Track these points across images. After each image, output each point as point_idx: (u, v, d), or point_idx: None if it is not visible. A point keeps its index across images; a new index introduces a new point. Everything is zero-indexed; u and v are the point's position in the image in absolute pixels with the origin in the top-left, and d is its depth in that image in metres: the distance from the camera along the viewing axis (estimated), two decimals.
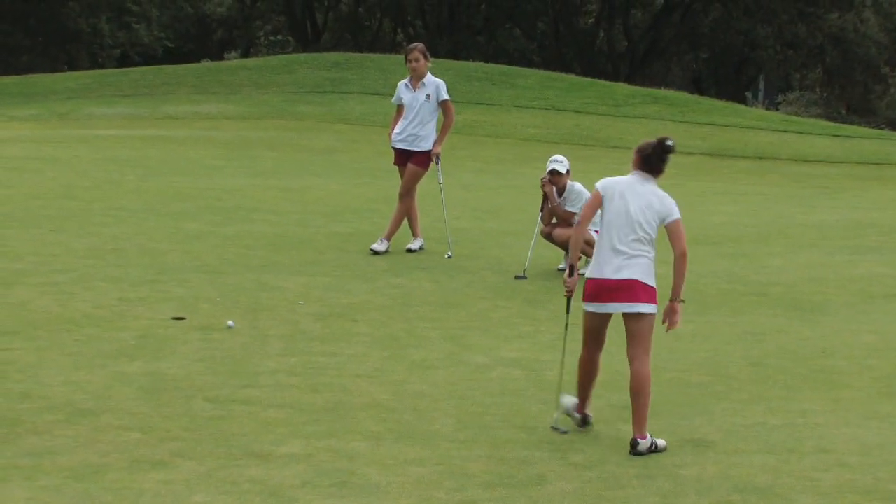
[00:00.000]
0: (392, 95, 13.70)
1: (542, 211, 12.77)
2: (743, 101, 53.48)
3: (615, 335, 9.75)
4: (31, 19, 52.09)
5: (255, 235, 14.06)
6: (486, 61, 45.90)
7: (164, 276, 11.65)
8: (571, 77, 41.46)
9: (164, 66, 43.03)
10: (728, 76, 59.68)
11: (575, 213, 12.56)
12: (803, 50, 56.37)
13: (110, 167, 19.73)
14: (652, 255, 7.52)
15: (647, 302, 7.47)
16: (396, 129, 13.46)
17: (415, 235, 13.56)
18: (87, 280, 11.31)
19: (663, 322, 7.51)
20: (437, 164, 13.41)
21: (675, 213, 7.50)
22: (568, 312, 7.79)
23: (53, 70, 47.83)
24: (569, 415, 7.71)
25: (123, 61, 55.32)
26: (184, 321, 9.99)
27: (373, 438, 7.32)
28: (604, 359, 9.36)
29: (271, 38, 70.45)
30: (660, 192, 7.53)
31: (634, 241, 7.45)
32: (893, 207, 19.61)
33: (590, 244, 12.54)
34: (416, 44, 13.76)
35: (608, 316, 7.58)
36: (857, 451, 7.38)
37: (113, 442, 7.07)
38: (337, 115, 32.60)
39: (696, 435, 7.61)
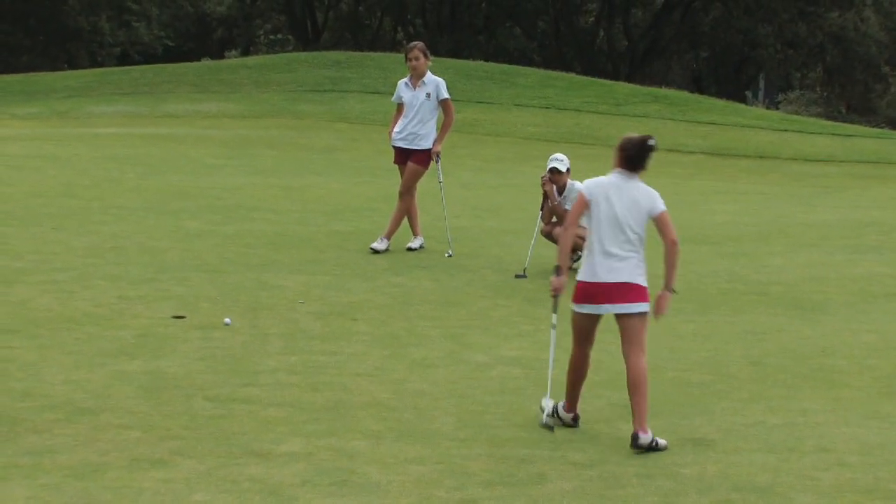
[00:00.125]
0: (392, 94, 13.69)
1: (542, 210, 12.77)
2: (743, 100, 53.49)
3: (611, 335, 9.75)
4: (31, 18, 52.09)
5: (255, 234, 14.05)
6: (487, 60, 45.90)
7: (163, 274, 11.65)
8: (571, 76, 41.46)
9: (164, 65, 43.04)
10: (728, 75, 59.70)
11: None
12: (803, 49, 56.39)
13: (110, 165, 19.73)
14: (642, 253, 7.61)
15: (640, 301, 7.56)
16: (396, 128, 13.45)
17: (415, 234, 13.56)
18: (87, 278, 11.31)
19: (656, 316, 7.55)
20: (437, 162, 13.40)
21: (661, 206, 7.63)
22: (555, 312, 7.84)
23: (54, 69, 47.84)
24: (551, 416, 7.71)
25: (123, 60, 55.33)
26: (184, 320, 9.99)
27: (373, 437, 7.31)
28: (604, 358, 9.36)
29: (271, 36, 70.45)
30: (643, 187, 7.63)
31: (625, 242, 7.56)
32: (893, 206, 19.61)
33: (584, 238, 12.57)
34: (416, 42, 13.76)
35: (599, 316, 7.63)
36: (858, 451, 7.37)
37: (113, 440, 7.06)
38: (337, 113, 32.60)
39: (696, 434, 7.61)
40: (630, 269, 7.55)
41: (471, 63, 41.66)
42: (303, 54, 43.73)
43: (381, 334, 9.87)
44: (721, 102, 38.95)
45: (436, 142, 13.33)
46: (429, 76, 13.29)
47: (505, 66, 41.83)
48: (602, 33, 59.74)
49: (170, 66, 41.68)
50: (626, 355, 7.57)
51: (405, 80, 13.43)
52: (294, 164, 21.74)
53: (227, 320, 9.96)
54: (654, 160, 7.67)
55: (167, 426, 7.35)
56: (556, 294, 7.69)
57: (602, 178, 7.70)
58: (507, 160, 24.94)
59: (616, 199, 7.55)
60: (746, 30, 54.77)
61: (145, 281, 11.34)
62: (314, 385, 8.35)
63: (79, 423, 7.33)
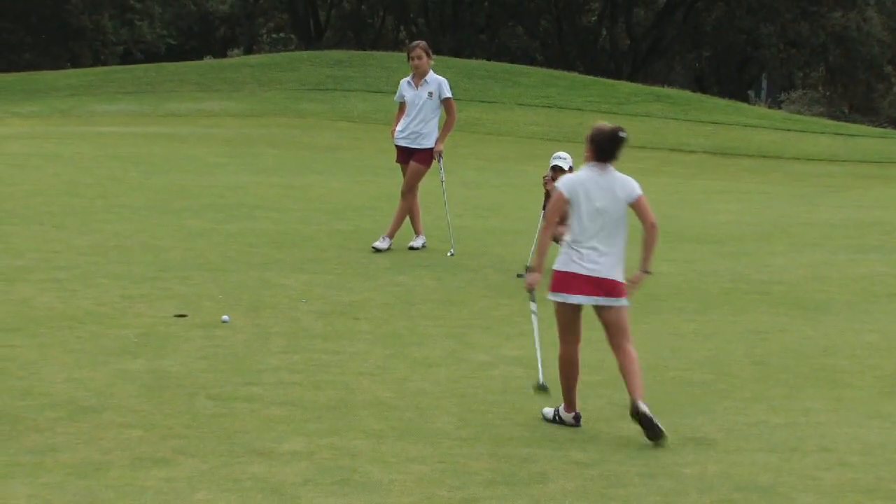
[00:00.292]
0: (394, 93, 13.70)
1: (544, 209, 12.77)
2: (745, 99, 53.47)
3: (602, 333, 9.74)
4: (33, 16, 52.10)
5: (257, 233, 14.06)
6: (489, 59, 45.92)
7: (166, 273, 11.65)
8: (574, 75, 41.47)
9: (166, 64, 43.05)
10: (731, 75, 59.65)
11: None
12: (806, 48, 56.35)
13: (113, 164, 19.73)
14: (622, 245, 7.71)
15: (622, 296, 7.69)
16: (399, 127, 13.46)
17: (417, 233, 13.56)
18: (89, 277, 11.31)
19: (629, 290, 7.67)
20: (439, 161, 13.41)
21: (637, 191, 7.70)
22: (533, 301, 7.98)
23: (56, 67, 47.88)
24: (544, 388, 7.87)
25: (126, 58, 55.35)
26: (186, 318, 10.00)
27: (375, 436, 7.31)
28: (604, 358, 9.35)
29: (274, 35, 70.46)
30: (618, 176, 7.70)
31: (607, 236, 7.64)
32: None
33: None
34: (418, 41, 13.76)
35: (580, 307, 7.70)
36: (859, 451, 7.37)
37: (115, 439, 7.07)
38: (339, 112, 32.61)
39: (697, 433, 7.61)
40: (611, 264, 7.64)
41: (473, 62, 41.68)
42: (305, 53, 43.76)
43: (382, 333, 9.87)
44: (723, 102, 38.96)
45: (438, 141, 13.33)
46: (431, 75, 13.30)
47: (507, 66, 41.84)
48: (605, 32, 59.73)
49: (172, 65, 41.71)
50: (615, 345, 7.72)
51: (407, 79, 13.43)
52: (296, 162, 21.74)
53: (224, 318, 9.97)
54: (625, 151, 7.72)
55: (169, 425, 7.35)
56: (531, 289, 7.84)
57: (577, 174, 7.78)
58: (509, 159, 24.95)
59: (595, 194, 7.63)
60: (749, 29, 54.74)
61: (147, 279, 11.35)
62: (316, 384, 8.35)
63: (81, 422, 7.33)
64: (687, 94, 41.18)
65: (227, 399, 7.93)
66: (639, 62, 57.11)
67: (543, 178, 12.67)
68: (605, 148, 7.65)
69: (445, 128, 13.39)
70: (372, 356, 9.17)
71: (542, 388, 7.87)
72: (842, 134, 33.86)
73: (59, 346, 9.01)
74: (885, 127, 44.68)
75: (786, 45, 56.14)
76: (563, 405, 7.76)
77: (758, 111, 39.64)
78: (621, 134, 7.63)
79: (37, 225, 13.89)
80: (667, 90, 40.50)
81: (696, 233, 15.71)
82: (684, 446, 7.35)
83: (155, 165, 19.88)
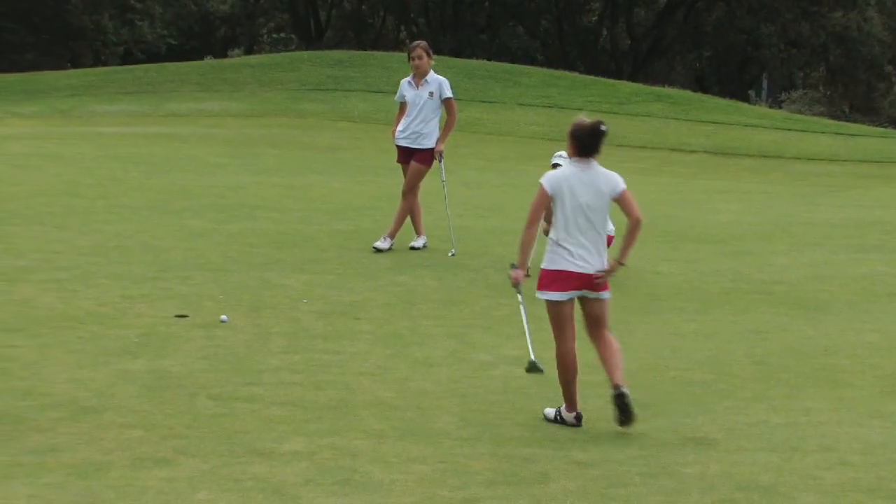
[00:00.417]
0: (395, 93, 13.70)
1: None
2: (746, 99, 53.47)
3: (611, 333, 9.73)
4: (34, 17, 52.11)
5: (257, 233, 14.06)
6: (489, 59, 45.94)
7: (167, 273, 11.65)
8: (574, 75, 41.48)
9: (167, 64, 43.07)
10: (731, 74, 59.66)
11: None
12: (807, 48, 56.35)
13: (113, 164, 19.74)
14: (605, 238, 7.80)
15: (607, 289, 7.79)
16: (399, 127, 13.46)
17: (418, 233, 13.56)
18: (90, 277, 11.32)
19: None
20: (440, 161, 13.41)
21: (621, 185, 7.73)
22: (519, 293, 8.02)
23: (57, 67, 47.88)
24: (536, 366, 7.99)
25: (127, 59, 55.40)
26: (187, 319, 10.00)
27: (376, 436, 7.31)
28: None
29: (274, 35, 70.49)
30: (602, 171, 7.74)
31: (593, 232, 7.68)
32: None
33: None
34: (419, 41, 13.75)
35: (572, 302, 7.73)
36: (860, 450, 7.37)
37: (116, 439, 7.07)
38: (340, 112, 32.62)
39: (698, 433, 7.60)
40: (600, 261, 7.71)
41: (474, 62, 41.69)
42: (306, 53, 43.78)
43: (383, 333, 9.87)
44: (724, 102, 38.97)
45: (439, 141, 13.33)
46: (432, 75, 13.30)
47: (508, 66, 41.85)
48: (605, 32, 59.75)
49: (173, 65, 41.72)
50: (596, 336, 7.81)
51: (408, 79, 13.43)
52: (297, 162, 21.74)
53: (223, 317, 9.97)
54: (606, 145, 7.76)
55: (170, 425, 7.35)
56: (516, 284, 7.89)
57: (560, 170, 7.81)
58: (510, 159, 24.95)
59: (580, 190, 7.66)
60: (749, 29, 54.75)
61: (148, 280, 11.35)
62: (317, 384, 8.35)
63: (82, 422, 7.33)
64: (687, 93, 41.19)
65: (228, 399, 7.93)
66: (639, 62, 57.12)
67: None
68: (586, 143, 7.69)
69: (446, 128, 13.39)
70: (373, 356, 9.17)
71: (534, 368, 7.94)
72: (842, 134, 33.87)
73: (60, 347, 9.01)
74: (885, 127, 44.67)
75: (786, 45, 56.15)
76: (563, 405, 7.76)
77: (758, 111, 39.65)
78: (602, 127, 7.68)
79: (38, 225, 13.89)
80: (667, 90, 40.51)
81: (696, 232, 15.71)
82: (685, 446, 7.35)
83: (156, 166, 19.88)
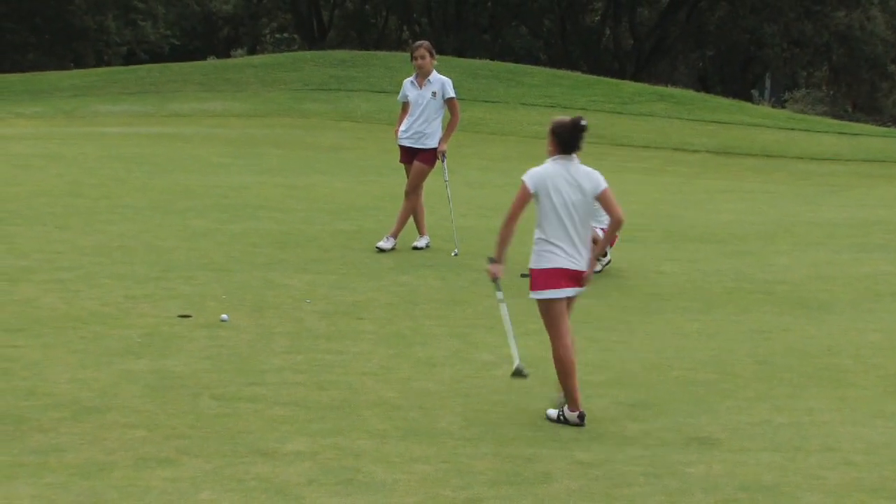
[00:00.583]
0: (398, 93, 13.69)
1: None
2: (749, 98, 53.50)
3: (615, 333, 9.81)
4: (37, 17, 52.16)
5: (260, 233, 14.06)
6: (492, 59, 45.94)
7: (170, 273, 11.66)
8: (577, 75, 41.50)
9: (170, 64, 43.11)
10: (734, 74, 59.66)
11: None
12: (810, 48, 56.35)
13: (116, 165, 19.74)
14: (590, 235, 7.87)
15: (583, 286, 7.87)
16: (402, 127, 13.46)
17: (421, 233, 13.56)
18: (92, 277, 11.32)
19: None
20: (443, 161, 13.40)
21: (603, 184, 7.80)
22: (499, 290, 8.10)
23: (60, 67, 47.93)
24: (521, 372, 8.01)
25: (130, 59, 55.43)
26: (190, 319, 10.00)
27: (379, 436, 7.31)
28: (608, 357, 9.37)
29: (277, 35, 70.53)
30: (584, 169, 7.79)
31: (580, 228, 7.75)
32: None
33: (594, 240, 12.57)
34: (421, 41, 13.75)
35: (566, 300, 7.83)
36: (864, 450, 7.37)
37: (119, 439, 7.07)
38: (343, 112, 32.63)
39: (702, 433, 7.60)
40: (585, 257, 7.79)
41: (476, 62, 41.70)
42: (308, 53, 43.82)
43: (386, 333, 9.87)
44: (727, 101, 38.98)
45: (441, 141, 13.33)
46: (434, 75, 13.29)
47: (511, 65, 41.87)
48: (608, 32, 59.74)
49: (176, 65, 41.75)
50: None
51: (411, 78, 13.43)
52: (300, 162, 21.74)
53: (224, 317, 9.97)
54: (589, 141, 7.79)
55: (173, 425, 7.35)
56: (495, 279, 7.96)
57: (543, 168, 7.82)
58: (512, 159, 24.94)
59: (564, 188, 7.71)
60: (752, 29, 54.73)
61: (151, 280, 11.35)
62: (320, 384, 8.35)
63: (85, 422, 7.33)
64: (690, 93, 41.20)
65: (231, 399, 7.93)
66: (642, 62, 57.12)
67: None
68: (567, 140, 7.73)
69: (449, 128, 13.39)
70: (376, 356, 9.16)
71: (518, 374, 7.96)
72: (845, 133, 33.87)
73: (62, 347, 9.01)
74: (888, 126, 44.69)
75: (789, 45, 56.14)
76: (566, 405, 7.75)
77: (761, 110, 39.65)
78: (582, 123, 7.72)
79: (40, 225, 13.89)
80: (670, 89, 40.52)
81: (699, 232, 15.70)
82: (688, 446, 7.35)
83: (158, 166, 19.88)
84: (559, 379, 7.77)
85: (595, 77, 41.02)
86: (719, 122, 33.75)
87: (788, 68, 60.06)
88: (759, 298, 11.76)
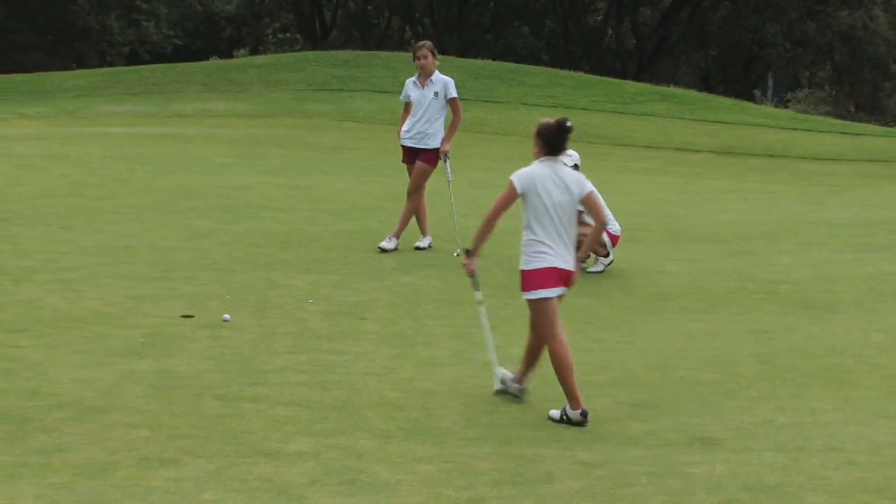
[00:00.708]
0: (400, 93, 13.69)
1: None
2: (751, 98, 53.49)
3: (618, 334, 9.78)
4: (40, 17, 52.16)
5: (263, 233, 14.06)
6: (494, 59, 45.97)
7: (172, 273, 11.66)
8: (579, 75, 41.49)
9: (173, 64, 43.11)
10: (737, 74, 59.65)
11: (583, 212, 12.53)
12: (812, 48, 56.33)
13: (119, 165, 19.75)
14: (574, 235, 7.96)
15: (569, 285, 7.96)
16: (405, 127, 13.46)
17: (423, 233, 13.56)
18: (95, 278, 11.32)
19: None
20: (445, 161, 13.40)
21: (588, 186, 7.91)
22: (477, 290, 8.27)
23: (63, 68, 47.93)
24: (505, 384, 8.12)
25: (132, 59, 55.45)
26: (192, 319, 10.00)
27: (381, 436, 7.31)
28: (611, 357, 9.37)
29: (280, 35, 70.56)
30: (570, 172, 7.90)
31: (567, 229, 7.84)
32: None
33: (601, 244, 12.57)
34: (424, 41, 13.75)
35: (557, 298, 7.90)
36: (867, 450, 7.36)
37: (122, 439, 7.07)
38: (345, 112, 32.63)
39: (705, 433, 7.60)
40: (573, 257, 7.88)
41: (478, 62, 41.70)
42: (311, 53, 43.81)
43: (389, 333, 9.87)
44: (729, 101, 38.96)
45: (444, 141, 13.33)
46: (437, 75, 13.30)
47: (513, 65, 41.85)
48: (610, 32, 59.74)
49: (179, 66, 41.75)
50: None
51: (413, 79, 13.43)
52: (302, 163, 21.75)
53: (226, 316, 9.97)
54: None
55: (176, 425, 7.35)
56: (472, 275, 8.08)
57: (531, 169, 7.89)
58: (514, 159, 24.84)
59: (553, 188, 7.79)
60: (755, 28, 54.72)
61: (154, 280, 11.35)
62: (322, 384, 8.35)
63: (88, 422, 7.33)
64: (693, 93, 41.18)
65: (234, 399, 7.93)
66: (644, 61, 57.10)
67: None
68: (553, 141, 7.82)
69: (451, 128, 13.39)
70: (378, 356, 9.16)
71: (505, 390, 8.07)
72: (848, 133, 33.85)
73: (65, 347, 9.01)
74: (891, 126, 44.67)
75: (792, 45, 56.13)
76: (567, 405, 7.74)
77: (764, 110, 39.63)
78: (568, 124, 7.82)
79: (43, 226, 13.90)
80: (673, 89, 40.51)
81: (702, 232, 15.70)
82: (691, 446, 7.35)
83: (161, 166, 19.89)
84: (559, 378, 7.77)
85: (597, 77, 41.01)
86: (722, 122, 33.73)
87: (791, 68, 60.06)
88: (762, 298, 11.76)
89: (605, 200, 12.78)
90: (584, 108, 34.45)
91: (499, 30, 60.07)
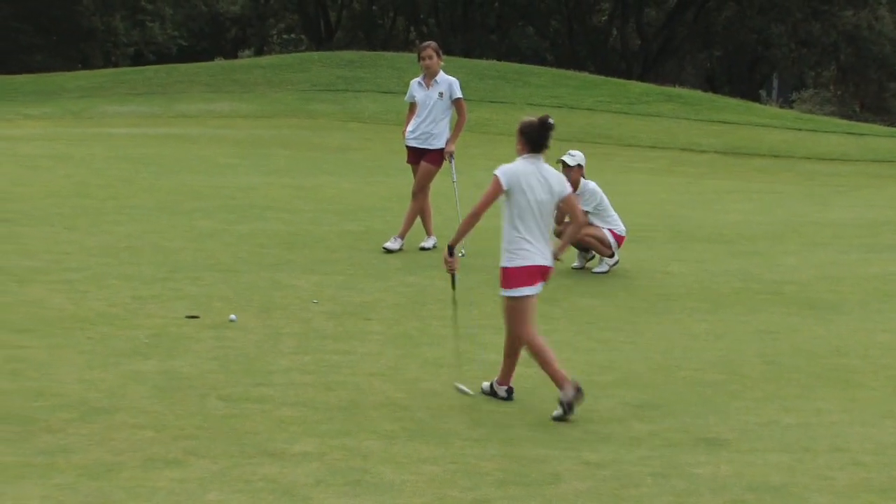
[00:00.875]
0: (405, 93, 13.69)
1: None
2: (757, 99, 53.44)
3: (622, 334, 9.77)
4: (45, 18, 52.21)
5: (268, 234, 14.06)
6: (499, 59, 45.93)
7: (177, 274, 11.66)
8: (584, 75, 41.47)
9: (177, 65, 43.13)
10: (742, 74, 59.63)
11: (588, 212, 12.55)
12: (817, 48, 56.30)
13: (124, 165, 19.76)
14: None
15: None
16: (410, 128, 13.45)
17: (428, 234, 13.56)
18: (100, 278, 11.33)
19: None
20: (450, 162, 13.40)
21: (568, 188, 8.07)
22: (454, 288, 8.44)
23: (67, 68, 47.95)
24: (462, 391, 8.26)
25: (137, 60, 55.50)
26: (197, 319, 10.00)
27: (386, 437, 7.31)
28: (615, 358, 9.37)
29: (284, 36, 70.58)
30: (552, 170, 8.02)
31: (545, 225, 7.98)
32: None
33: (602, 242, 12.57)
34: (428, 42, 13.75)
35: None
36: (872, 450, 7.36)
37: (127, 440, 7.07)
38: (350, 113, 32.64)
39: (710, 434, 7.59)
40: (549, 251, 8.01)
41: (483, 62, 41.69)
42: (316, 54, 43.83)
43: (394, 334, 9.87)
44: (734, 101, 38.94)
45: (449, 141, 13.32)
46: (441, 75, 13.29)
47: (517, 66, 41.84)
48: (615, 32, 59.73)
49: (183, 66, 41.77)
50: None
51: (418, 79, 13.43)
52: (307, 163, 21.75)
53: (232, 317, 9.98)
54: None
55: (181, 426, 7.36)
56: (452, 271, 8.22)
57: (515, 165, 7.98)
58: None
59: (536, 186, 7.91)
60: (760, 29, 54.70)
61: (159, 280, 11.36)
62: (327, 385, 8.35)
63: (93, 423, 7.34)
64: (698, 93, 41.16)
65: (239, 400, 7.93)
66: (650, 62, 57.09)
67: None
68: (536, 138, 7.93)
69: (456, 128, 13.38)
70: (383, 357, 9.16)
71: (464, 390, 8.23)
72: (853, 133, 33.82)
73: (70, 347, 9.02)
74: None
75: (797, 45, 56.09)
76: (560, 394, 7.77)
77: (769, 111, 39.61)
78: (550, 121, 7.92)
79: (48, 226, 13.90)
80: (678, 90, 40.48)
81: (707, 233, 15.69)
82: (696, 446, 7.34)
83: (166, 166, 19.90)
84: (543, 368, 7.93)
85: (602, 77, 40.99)
86: (727, 123, 33.71)
87: (796, 68, 60.00)
88: (767, 299, 11.75)
89: (610, 201, 12.84)
90: (589, 109, 34.45)
91: (503, 30, 60.07)
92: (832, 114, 49.63)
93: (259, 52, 64.93)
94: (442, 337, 9.82)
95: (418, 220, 13.48)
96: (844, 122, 38.86)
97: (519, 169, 7.90)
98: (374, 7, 63.00)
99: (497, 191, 7.90)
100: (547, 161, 8.09)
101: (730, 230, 15.94)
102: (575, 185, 12.61)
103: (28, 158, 20.12)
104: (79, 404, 7.68)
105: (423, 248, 13.39)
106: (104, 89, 36.83)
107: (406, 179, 14.18)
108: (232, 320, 9.92)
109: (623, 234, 12.77)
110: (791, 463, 7.09)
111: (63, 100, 34.57)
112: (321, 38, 58.84)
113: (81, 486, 6.37)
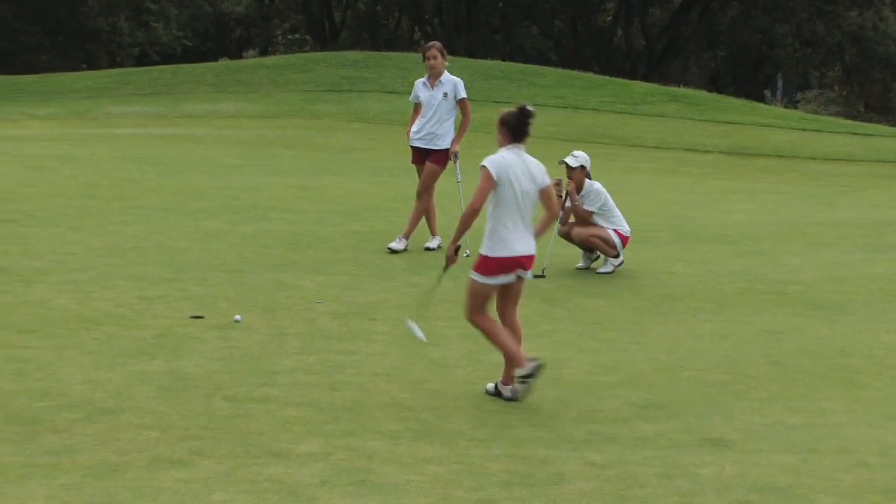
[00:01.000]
0: (410, 94, 13.70)
1: (561, 211, 12.74)
2: (761, 99, 53.44)
3: (626, 334, 9.74)
4: (50, 19, 52.28)
5: (272, 234, 14.07)
6: (504, 59, 45.93)
7: (182, 274, 11.67)
8: (589, 75, 41.47)
9: (182, 65, 43.18)
10: (746, 74, 59.61)
11: (593, 212, 12.55)
12: (822, 48, 56.27)
13: (129, 166, 19.78)
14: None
15: (531, 268, 8.14)
16: (414, 128, 13.46)
17: (433, 234, 13.57)
18: (106, 278, 11.34)
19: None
20: (455, 162, 13.41)
21: (548, 179, 8.14)
22: (444, 271, 8.50)
23: (73, 69, 48.02)
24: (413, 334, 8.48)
25: (142, 60, 55.54)
26: (202, 320, 10.01)
27: (391, 437, 7.31)
28: (621, 358, 9.36)
29: (289, 36, 70.63)
30: (533, 161, 8.10)
31: (528, 215, 8.03)
32: None
33: (607, 242, 12.56)
34: (433, 42, 13.76)
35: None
36: (878, 451, 7.35)
37: (132, 440, 7.08)
38: (355, 113, 32.65)
39: (714, 434, 7.59)
40: (533, 241, 8.07)
41: (488, 63, 41.69)
42: (320, 54, 43.86)
43: (399, 334, 9.87)
44: (739, 102, 38.93)
45: (454, 142, 13.33)
46: (446, 76, 13.30)
47: (522, 66, 41.84)
48: (620, 32, 59.71)
49: (188, 67, 41.82)
50: (509, 313, 8.18)
51: (423, 79, 13.44)
52: (312, 164, 21.76)
53: (237, 317, 9.99)
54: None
55: (186, 426, 7.36)
56: (450, 265, 8.30)
57: (500, 156, 8.06)
58: None
59: (521, 177, 7.98)
60: (764, 29, 54.67)
61: (164, 281, 11.37)
62: (332, 385, 8.35)
63: (98, 423, 7.34)
64: (703, 93, 41.15)
65: (244, 400, 7.93)
66: (654, 62, 57.07)
67: (556, 185, 12.63)
68: (516, 127, 8.06)
69: (461, 128, 13.39)
70: (388, 357, 9.17)
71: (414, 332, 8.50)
72: (858, 133, 33.80)
73: (76, 348, 9.03)
74: None
75: (801, 45, 56.07)
76: (522, 371, 7.96)
77: (774, 111, 39.59)
78: (529, 108, 8.05)
79: (54, 226, 13.92)
80: (682, 90, 40.47)
81: (711, 233, 15.68)
82: (701, 447, 7.34)
83: (171, 167, 19.92)
84: (494, 344, 8.08)
85: (607, 77, 40.99)
86: (731, 123, 33.70)
87: (801, 68, 59.98)
88: (772, 299, 11.75)
89: (615, 201, 12.84)
90: (593, 109, 34.44)
91: (508, 30, 60.04)
92: (837, 114, 49.61)
93: (264, 53, 64.99)
94: (447, 337, 9.83)
95: (423, 220, 13.48)
96: (849, 122, 38.83)
97: (505, 160, 8.00)
98: (378, 7, 63.02)
99: (490, 182, 7.96)
100: (529, 151, 8.16)
101: (734, 230, 15.93)
102: (579, 186, 12.62)
103: (33, 159, 20.15)
104: (84, 404, 7.69)
105: (427, 249, 13.40)
106: (109, 90, 36.88)
107: (411, 180, 14.18)
108: (237, 321, 9.94)
109: (628, 234, 12.77)
110: (796, 463, 7.09)
111: (68, 100, 34.62)
112: (326, 39, 58.85)
113: (86, 486, 6.37)
